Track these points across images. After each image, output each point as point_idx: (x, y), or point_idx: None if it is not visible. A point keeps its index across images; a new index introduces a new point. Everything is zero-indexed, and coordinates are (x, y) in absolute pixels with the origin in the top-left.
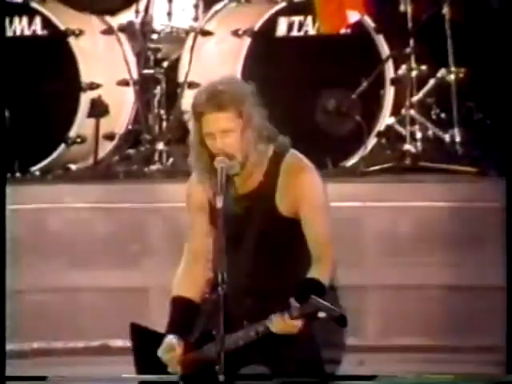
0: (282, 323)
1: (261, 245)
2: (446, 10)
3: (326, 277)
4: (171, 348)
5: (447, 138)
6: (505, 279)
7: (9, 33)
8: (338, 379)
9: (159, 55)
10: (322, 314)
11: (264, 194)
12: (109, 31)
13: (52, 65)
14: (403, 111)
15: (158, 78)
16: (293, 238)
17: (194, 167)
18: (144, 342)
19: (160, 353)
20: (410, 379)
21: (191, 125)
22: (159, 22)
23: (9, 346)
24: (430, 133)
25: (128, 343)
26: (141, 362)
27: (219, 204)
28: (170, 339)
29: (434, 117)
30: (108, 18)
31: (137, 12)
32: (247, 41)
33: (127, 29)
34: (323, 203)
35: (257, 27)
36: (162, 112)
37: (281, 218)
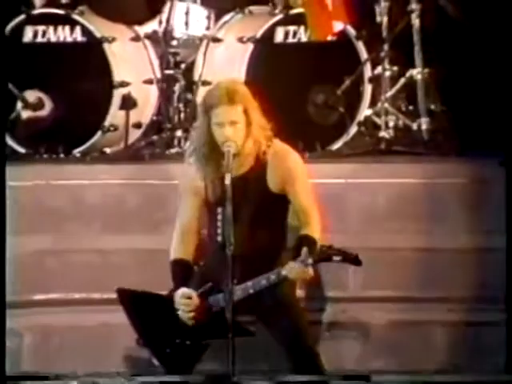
0: (300, 269)
1: (253, 216)
2: (414, 21)
3: (316, 235)
4: (188, 295)
5: (415, 126)
6: (468, 243)
7: (53, 39)
8: (335, 379)
9: (178, 58)
10: (337, 258)
11: (256, 174)
12: (136, 38)
13: (90, 66)
14: (379, 104)
15: (176, 77)
16: (280, 210)
17: (195, 152)
18: (139, 303)
19: (177, 298)
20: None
21: (199, 117)
22: (178, 31)
23: (59, 295)
24: (400, 122)
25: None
26: (140, 326)
27: (227, 181)
28: (185, 289)
29: (404, 109)
30: (136, 27)
31: (160, 22)
32: (250, 46)
33: (152, 36)
34: (306, 180)
35: (258, 35)
36: (181, 105)
37: (270, 194)
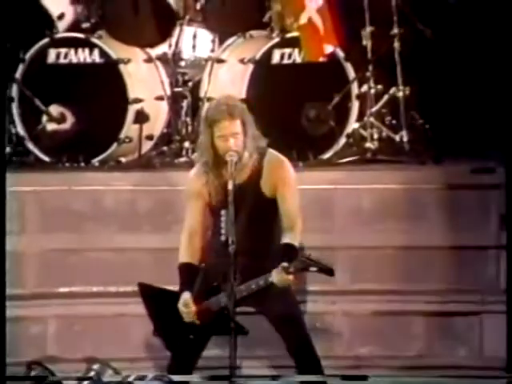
0: (281, 276)
1: (251, 217)
2: (395, 44)
3: (296, 242)
4: (187, 304)
5: (397, 137)
6: (444, 242)
7: (74, 60)
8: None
9: (186, 77)
10: (313, 269)
11: (252, 181)
12: (149, 60)
13: (107, 85)
14: (365, 119)
15: (184, 94)
16: (273, 212)
17: (200, 161)
18: (156, 298)
19: (180, 307)
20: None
21: (203, 131)
22: (186, 53)
23: (80, 288)
24: (384, 134)
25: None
26: (157, 320)
27: (230, 186)
28: (185, 297)
29: (387, 122)
30: (148, 50)
31: (170, 45)
32: (250, 67)
33: (162, 58)
34: (294, 188)
35: (257, 56)
36: (188, 119)
37: (264, 198)
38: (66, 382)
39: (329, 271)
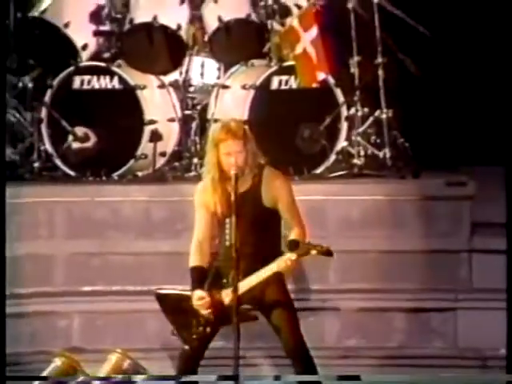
0: (285, 263)
1: (252, 225)
2: (379, 72)
3: (299, 237)
4: (201, 297)
5: (381, 154)
6: (421, 246)
7: (96, 86)
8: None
9: (194, 101)
10: (313, 251)
11: (253, 193)
12: (162, 86)
13: (125, 108)
14: (353, 138)
15: (194, 116)
16: (271, 220)
17: (207, 176)
18: (172, 303)
19: (194, 301)
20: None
21: (210, 149)
22: (195, 80)
23: (101, 287)
24: (369, 152)
25: (178, 287)
26: (173, 318)
27: (233, 198)
28: (198, 293)
29: (372, 141)
30: (162, 77)
31: (180, 73)
32: (252, 92)
33: (174, 84)
34: (292, 197)
35: (258, 83)
36: (197, 139)
37: (264, 208)
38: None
39: (328, 252)
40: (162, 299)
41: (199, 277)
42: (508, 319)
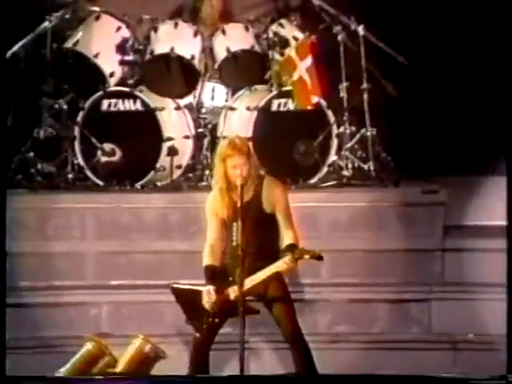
0: (284, 265)
1: (255, 228)
2: (365, 96)
3: (294, 242)
4: (210, 295)
5: (366, 167)
6: (401, 246)
7: (121, 108)
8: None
9: (206, 121)
10: (307, 256)
11: (255, 200)
12: (178, 108)
13: (146, 127)
14: (342, 152)
15: (205, 134)
16: (271, 224)
17: (216, 187)
18: (186, 296)
19: (204, 297)
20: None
21: (218, 163)
22: (206, 102)
23: (126, 282)
24: (356, 164)
25: (192, 281)
26: (187, 309)
27: (239, 205)
28: (208, 289)
29: (358, 155)
30: (178, 100)
31: (194, 97)
32: (255, 113)
33: (188, 106)
34: (288, 204)
35: (260, 105)
36: (208, 153)
37: (265, 213)
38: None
39: (319, 257)
40: (176, 293)
41: (212, 274)
42: (508, 312)
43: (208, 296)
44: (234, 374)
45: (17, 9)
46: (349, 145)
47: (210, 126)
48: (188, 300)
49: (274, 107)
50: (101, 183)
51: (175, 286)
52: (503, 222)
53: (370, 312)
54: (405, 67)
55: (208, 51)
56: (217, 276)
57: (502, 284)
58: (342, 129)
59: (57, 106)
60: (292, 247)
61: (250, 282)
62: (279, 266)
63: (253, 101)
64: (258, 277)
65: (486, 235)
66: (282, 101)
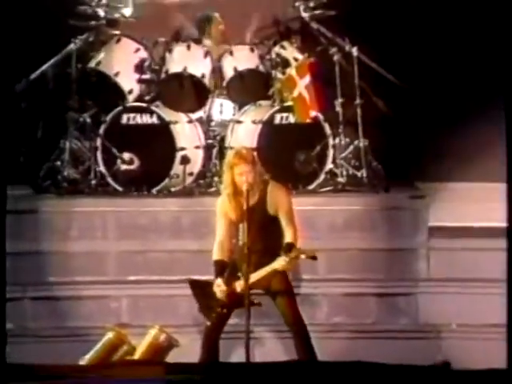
0: (283, 263)
1: (260, 228)
2: (358, 110)
3: (293, 241)
4: (220, 285)
5: (359, 174)
6: (390, 245)
7: (139, 122)
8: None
9: (215, 133)
10: (303, 256)
11: (260, 204)
12: (190, 121)
13: (161, 138)
14: (337, 161)
15: (214, 144)
16: (275, 225)
17: (224, 192)
18: (200, 288)
19: (214, 287)
20: None
21: (226, 170)
22: (215, 116)
23: (143, 277)
24: (350, 172)
25: (202, 277)
26: (200, 300)
27: (245, 207)
28: (218, 281)
29: (352, 164)
30: (190, 114)
31: (204, 111)
32: (259, 126)
33: (199, 120)
34: (290, 207)
35: (264, 119)
36: (217, 162)
37: (269, 215)
38: None
39: (313, 257)
40: (193, 285)
41: (221, 268)
42: (508, 308)
43: (219, 287)
44: (240, 361)
45: (46, 33)
46: (343, 154)
47: (218, 138)
48: (201, 291)
49: (277, 121)
50: (120, 189)
51: (192, 278)
52: (482, 224)
53: (363, 305)
54: (394, 85)
55: (217, 70)
56: (225, 270)
57: (483, 279)
58: (337, 140)
59: (81, 119)
60: (290, 246)
61: (253, 278)
62: (277, 264)
63: (257, 115)
64: (258, 274)
65: (467, 235)
66: (284, 115)
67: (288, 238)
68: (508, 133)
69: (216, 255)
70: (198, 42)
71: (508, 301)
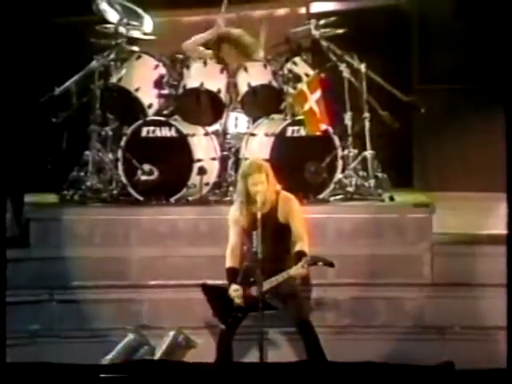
0: (298, 270)
1: (272, 236)
2: (366, 123)
3: (306, 249)
4: (236, 289)
5: (366, 184)
6: (395, 251)
7: (158, 135)
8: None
9: (230, 145)
10: (320, 263)
11: (272, 213)
12: (206, 134)
13: (179, 150)
14: (346, 172)
15: (229, 156)
16: (286, 233)
17: (238, 200)
18: (213, 293)
19: (231, 292)
20: None
21: (240, 180)
22: (231, 129)
23: (163, 282)
24: (358, 182)
25: (218, 281)
26: (214, 305)
27: (258, 216)
28: (234, 286)
29: (360, 174)
30: (206, 127)
31: (220, 124)
32: (272, 138)
33: (215, 133)
34: (301, 216)
35: (277, 131)
36: (232, 172)
37: (280, 224)
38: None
39: (330, 264)
40: (206, 290)
41: (233, 275)
42: (508, 311)
43: (235, 290)
44: (254, 362)
45: (70, 51)
46: (352, 165)
47: (233, 150)
48: (215, 296)
49: (289, 133)
50: (141, 198)
51: (205, 284)
52: (484, 231)
53: (370, 308)
54: (399, 100)
55: (232, 86)
56: (237, 276)
57: (485, 283)
58: (346, 151)
59: (103, 132)
60: (301, 254)
61: (269, 283)
62: (294, 271)
63: (270, 128)
64: (276, 279)
65: (469, 242)
66: (295, 128)
67: (299, 246)
68: (508, 144)
69: (228, 262)
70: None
71: (508, 304)
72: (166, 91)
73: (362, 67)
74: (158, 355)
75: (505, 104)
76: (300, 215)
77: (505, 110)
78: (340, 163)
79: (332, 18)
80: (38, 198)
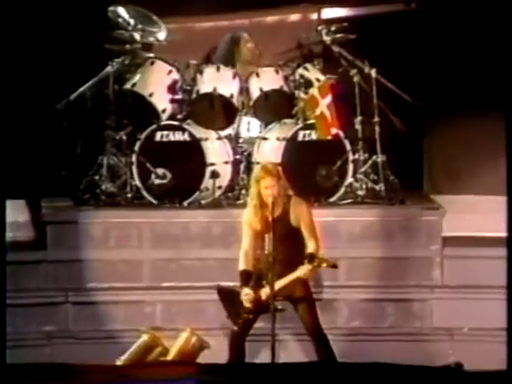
0: (306, 271)
1: (284, 239)
2: (376, 128)
3: (315, 251)
4: (248, 293)
5: (377, 188)
6: (405, 254)
7: (172, 139)
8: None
9: (243, 149)
10: (324, 264)
11: (284, 216)
12: (219, 138)
13: (192, 154)
14: (357, 175)
15: (241, 160)
16: (298, 235)
17: (251, 204)
18: (227, 295)
19: (242, 296)
20: None
21: (253, 184)
22: (243, 134)
23: (176, 283)
24: (369, 185)
25: (230, 283)
26: (227, 307)
27: (270, 219)
28: (246, 290)
29: (371, 178)
30: (219, 132)
31: (233, 129)
32: (284, 143)
33: (228, 137)
34: (312, 219)
35: (289, 136)
36: (244, 176)
37: (292, 227)
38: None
39: (334, 266)
40: (220, 292)
41: (246, 278)
42: (508, 313)
43: (246, 295)
44: (266, 362)
45: (85, 56)
46: (363, 169)
47: (245, 154)
48: (229, 298)
49: (300, 137)
50: (154, 201)
51: (220, 286)
52: (494, 234)
53: (380, 310)
54: (409, 105)
55: (245, 91)
56: (250, 279)
57: (494, 285)
58: (356, 155)
59: (118, 137)
60: (312, 256)
61: (278, 285)
62: (300, 272)
63: (282, 132)
64: (284, 281)
65: (478, 244)
66: (307, 132)
67: (310, 248)
68: (508, 146)
69: (241, 265)
70: (226, 63)
71: (508, 306)
72: (179, 96)
73: (373, 72)
74: (171, 356)
75: (505, 104)
76: (311, 218)
77: (505, 110)
78: (351, 167)
79: (343, 24)
80: (54, 203)
